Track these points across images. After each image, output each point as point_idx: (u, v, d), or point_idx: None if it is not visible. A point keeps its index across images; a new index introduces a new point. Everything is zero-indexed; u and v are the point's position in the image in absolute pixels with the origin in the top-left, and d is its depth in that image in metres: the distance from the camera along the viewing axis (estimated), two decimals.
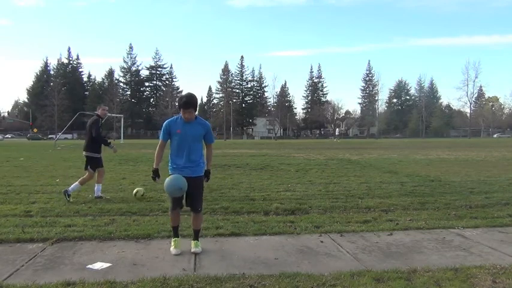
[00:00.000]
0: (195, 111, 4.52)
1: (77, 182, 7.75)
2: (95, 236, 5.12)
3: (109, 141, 8.30)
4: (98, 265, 4.09)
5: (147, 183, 9.87)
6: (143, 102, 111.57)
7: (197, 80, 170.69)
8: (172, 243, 4.63)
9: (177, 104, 4.58)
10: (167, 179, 4.43)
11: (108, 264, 4.12)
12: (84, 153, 8.02)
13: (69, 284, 3.55)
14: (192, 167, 4.57)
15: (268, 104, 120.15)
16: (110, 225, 5.71)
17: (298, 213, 6.63)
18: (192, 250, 4.57)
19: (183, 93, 4.73)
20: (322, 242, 5.02)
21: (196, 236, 4.75)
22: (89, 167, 7.90)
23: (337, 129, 71.53)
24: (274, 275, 3.79)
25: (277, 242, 5.03)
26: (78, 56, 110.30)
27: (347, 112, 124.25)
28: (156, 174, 4.70)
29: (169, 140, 4.64)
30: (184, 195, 4.61)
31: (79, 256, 4.40)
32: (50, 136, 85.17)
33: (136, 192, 7.77)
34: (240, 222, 5.89)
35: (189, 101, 4.44)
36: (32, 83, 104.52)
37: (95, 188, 7.87)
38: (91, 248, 4.69)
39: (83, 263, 4.18)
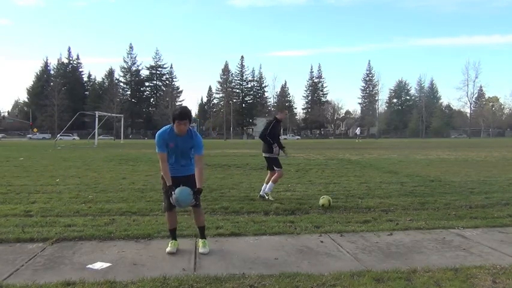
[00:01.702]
0: (190, 123, 4.53)
1: (270, 182, 7.74)
2: (94, 236, 5.12)
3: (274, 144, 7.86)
4: (98, 265, 4.09)
5: (147, 183, 9.88)
6: (143, 102, 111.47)
7: (197, 80, 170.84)
8: (169, 244, 4.62)
9: (171, 116, 4.56)
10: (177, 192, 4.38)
11: (108, 264, 4.12)
12: (263, 154, 8.00)
13: (69, 284, 3.55)
14: (184, 166, 4.65)
15: (269, 104, 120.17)
16: (110, 225, 5.71)
17: (298, 213, 6.63)
18: (201, 251, 4.54)
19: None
20: (322, 242, 5.02)
21: (202, 234, 4.74)
22: (274, 166, 7.83)
23: (358, 128, 69.80)
24: (274, 275, 3.79)
25: (277, 242, 5.03)
26: (78, 56, 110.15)
27: (347, 112, 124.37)
28: (171, 189, 4.45)
29: None
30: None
31: (79, 256, 4.40)
32: (28, 136, 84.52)
33: (326, 202, 7.17)
34: (240, 222, 5.90)
35: (185, 112, 4.44)
36: (32, 83, 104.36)
37: (263, 185, 7.86)
38: (91, 248, 4.69)
39: (82, 262, 4.18)
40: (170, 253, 4.48)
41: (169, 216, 4.72)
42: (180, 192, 4.38)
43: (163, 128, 4.64)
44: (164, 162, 4.54)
